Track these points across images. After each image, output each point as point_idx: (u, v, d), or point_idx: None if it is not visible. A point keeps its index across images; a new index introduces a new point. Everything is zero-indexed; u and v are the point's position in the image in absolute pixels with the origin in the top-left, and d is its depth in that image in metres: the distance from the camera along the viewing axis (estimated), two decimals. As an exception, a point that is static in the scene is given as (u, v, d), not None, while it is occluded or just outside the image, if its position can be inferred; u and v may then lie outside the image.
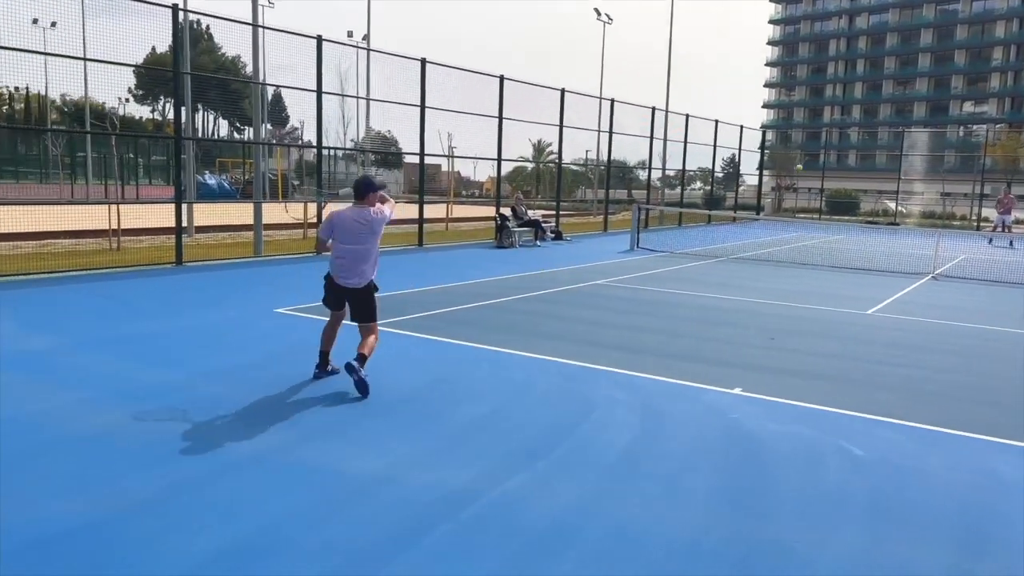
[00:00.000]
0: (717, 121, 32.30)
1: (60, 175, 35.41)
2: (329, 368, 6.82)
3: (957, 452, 5.62)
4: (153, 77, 51.44)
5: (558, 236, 21.98)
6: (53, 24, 35.23)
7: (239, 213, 21.51)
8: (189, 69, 20.69)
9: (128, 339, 8.02)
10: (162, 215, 20.11)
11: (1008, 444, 5.76)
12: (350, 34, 44.71)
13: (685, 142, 30.57)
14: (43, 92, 52.17)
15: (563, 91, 22.89)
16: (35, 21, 32.69)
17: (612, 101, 25.64)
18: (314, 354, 6.93)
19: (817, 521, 4.36)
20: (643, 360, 7.94)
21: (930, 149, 47.68)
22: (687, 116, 30.31)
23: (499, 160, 21.14)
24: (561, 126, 23.16)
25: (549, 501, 4.46)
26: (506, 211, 20.49)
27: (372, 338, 6.60)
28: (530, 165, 60.26)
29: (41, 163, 46.05)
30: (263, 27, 15.31)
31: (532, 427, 5.78)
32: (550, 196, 49.56)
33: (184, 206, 16.95)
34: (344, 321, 6.96)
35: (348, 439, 5.38)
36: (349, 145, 52.17)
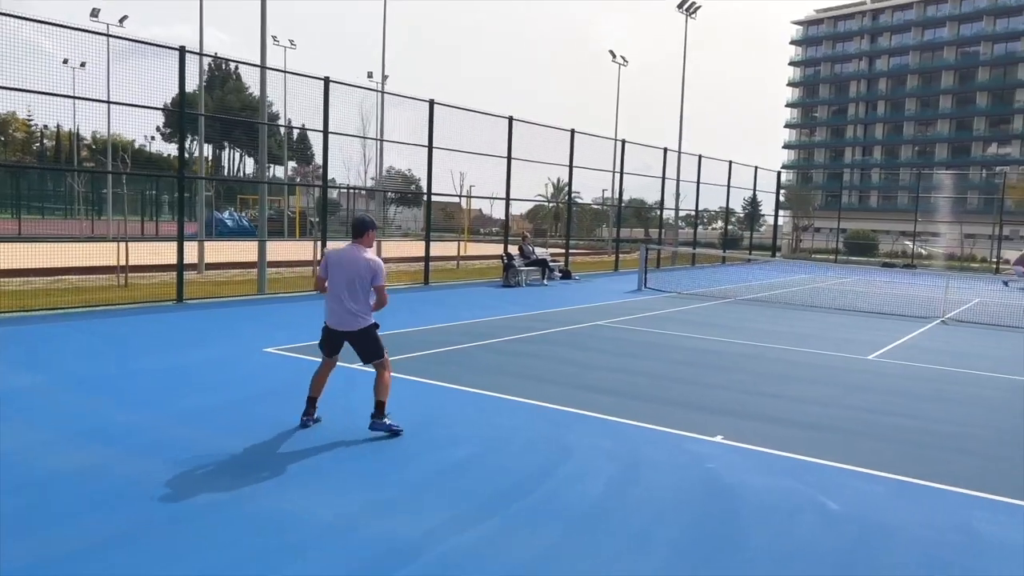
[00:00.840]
0: (731, 162, 32.34)
1: (80, 211, 36.06)
2: (316, 416, 6.62)
3: (936, 506, 5.42)
4: (177, 116, 52.66)
5: (566, 275, 21.92)
6: (82, 64, 36.16)
7: (255, 250, 21.68)
8: (203, 109, 21.05)
9: (108, 378, 8.03)
10: (173, 250, 20.41)
11: (991, 499, 5.56)
12: (370, 75, 45.38)
13: (698, 182, 30.57)
14: (73, 130, 53.54)
15: (572, 132, 23.03)
16: (65, 61, 33.63)
17: (623, 142, 25.74)
18: (294, 396, 6.88)
19: (778, 580, 4.20)
20: (630, 405, 7.81)
21: (951, 190, 47.33)
22: (699, 157, 30.35)
23: (507, 200, 21.22)
24: (571, 166, 23.26)
25: (502, 557, 4.34)
26: (513, 250, 20.49)
27: (386, 375, 6.48)
28: (548, 204, 60.72)
29: (66, 199, 47.02)
30: (270, 68, 15.57)
31: (504, 475, 5.66)
32: (573, 234, 49.74)
33: (196, 243, 17.19)
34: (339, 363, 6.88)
35: (311, 486, 5.29)
36: (370, 183, 52.92)
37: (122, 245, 16.70)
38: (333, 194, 64.00)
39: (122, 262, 16.68)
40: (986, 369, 10.70)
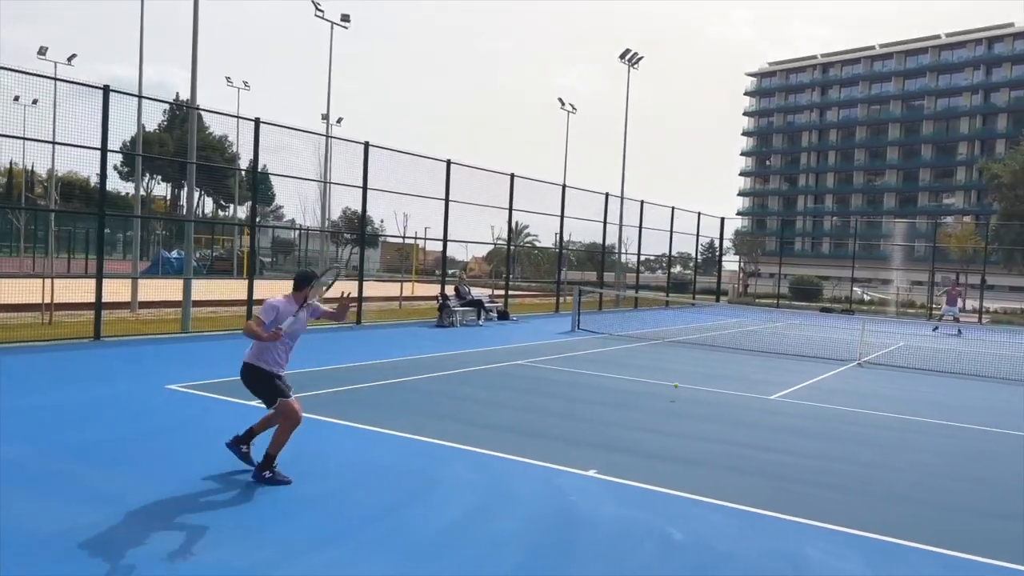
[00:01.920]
0: (673, 208, 33.09)
1: (21, 249, 35.54)
2: (244, 449, 6.39)
3: (778, 537, 5.62)
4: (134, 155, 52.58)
5: (503, 316, 22.14)
6: (35, 101, 35.69)
7: (201, 289, 21.63)
8: (140, 148, 21.11)
9: (-6, 413, 7.98)
10: (112, 289, 20.33)
11: (837, 531, 5.77)
12: (324, 117, 45.73)
13: (640, 227, 31.26)
14: (23, 167, 52.91)
15: (512, 176, 23.51)
16: (16, 99, 33.46)
17: (563, 186, 26.31)
18: (181, 433, 6.91)
19: (592, 605, 4.35)
20: (515, 441, 7.95)
21: (901, 238, 48.84)
22: (641, 202, 31.08)
23: (444, 241, 21.49)
24: (511, 209, 23.68)
25: None
26: (450, 291, 20.70)
27: (279, 427, 6.21)
28: (502, 246, 61.48)
29: (13, 237, 46.31)
30: (201, 109, 15.76)
31: (358, 508, 5.75)
32: (529, 276, 50.31)
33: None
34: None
35: (157, 519, 5.30)
36: (326, 224, 53.05)
37: (47, 282, 16.56)
38: (291, 234, 64.03)
39: (47, 300, 16.53)
40: (883, 409, 11.04)
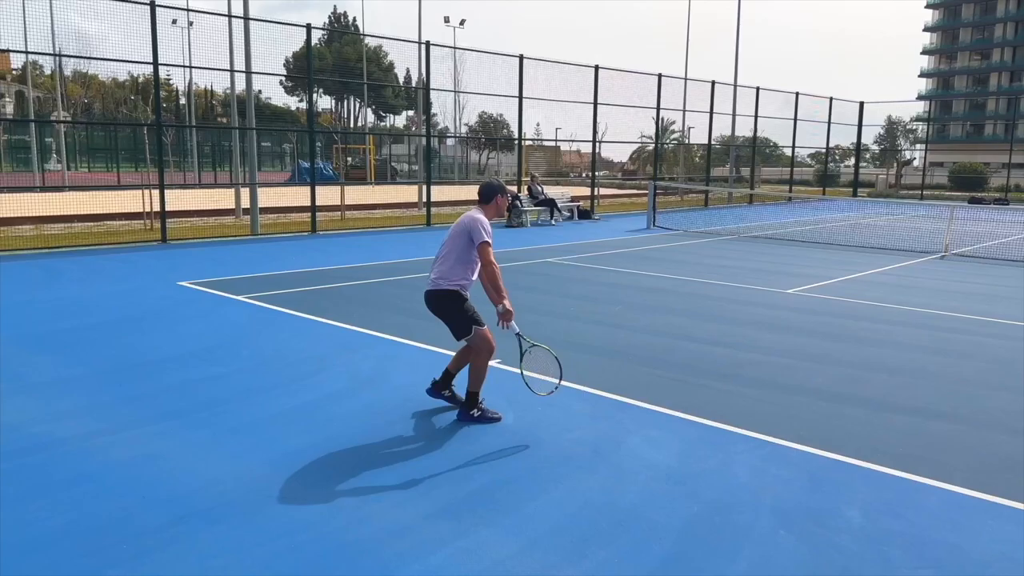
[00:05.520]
0: (797, 93, 30.60)
1: (170, 164, 38.82)
2: (447, 393, 5.83)
3: (613, 425, 5.43)
4: (299, 70, 55.56)
5: (584, 215, 21.82)
6: (191, 23, 37.87)
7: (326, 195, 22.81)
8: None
9: (4, 306, 9.09)
10: (227, 198, 22.21)
11: (679, 418, 5.53)
12: (447, 19, 45.77)
13: (755, 116, 29.29)
14: (191, 87, 57.18)
15: (596, 67, 22.65)
16: (174, 22, 35.80)
17: (659, 76, 24.98)
18: (149, 323, 7.49)
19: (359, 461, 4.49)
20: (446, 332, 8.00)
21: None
22: (757, 88, 29.00)
23: (520, 140, 21.27)
24: (595, 103, 22.94)
25: (130, 449, 4.85)
26: (523, 191, 20.63)
27: (475, 359, 5.58)
28: (649, 145, 60.45)
29: (177, 151, 50.62)
30: (253, 19, 16.32)
31: (225, 390, 6.05)
32: (674, 175, 48.91)
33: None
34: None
35: (55, 397, 5.97)
36: (464, 130, 54.64)
37: (146, 193, 18.16)
38: (433, 141, 65.68)
39: (147, 209, 18.19)
40: (921, 305, 10.04)
